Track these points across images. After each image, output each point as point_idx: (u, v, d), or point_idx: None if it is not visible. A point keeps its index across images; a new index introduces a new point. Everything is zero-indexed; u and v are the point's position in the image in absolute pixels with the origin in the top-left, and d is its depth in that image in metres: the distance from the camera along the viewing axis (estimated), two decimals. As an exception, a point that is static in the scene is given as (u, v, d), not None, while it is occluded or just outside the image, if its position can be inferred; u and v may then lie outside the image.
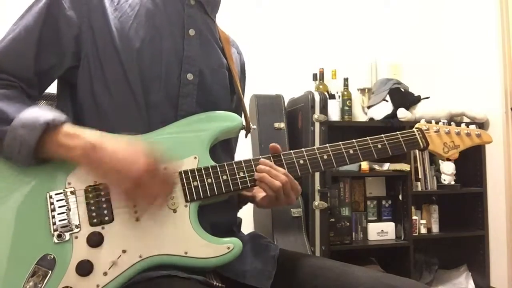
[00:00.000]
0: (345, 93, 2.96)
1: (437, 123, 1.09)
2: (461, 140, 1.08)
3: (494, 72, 2.86)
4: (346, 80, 2.98)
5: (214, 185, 0.91)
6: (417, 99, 2.89)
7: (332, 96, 2.91)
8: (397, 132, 1.03)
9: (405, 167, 2.74)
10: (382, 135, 1.02)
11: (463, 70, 3.11)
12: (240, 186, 0.93)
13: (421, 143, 1.04)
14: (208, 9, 1.06)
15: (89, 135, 0.83)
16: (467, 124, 1.11)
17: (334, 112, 2.85)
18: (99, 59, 0.93)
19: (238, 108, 1.14)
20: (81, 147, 0.81)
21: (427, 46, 3.23)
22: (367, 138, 1.01)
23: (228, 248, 0.87)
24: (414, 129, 1.05)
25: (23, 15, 0.93)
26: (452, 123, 1.08)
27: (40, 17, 0.91)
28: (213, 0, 1.08)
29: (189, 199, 0.89)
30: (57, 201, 0.84)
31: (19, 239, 0.81)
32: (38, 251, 0.80)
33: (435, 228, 2.96)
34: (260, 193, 1.03)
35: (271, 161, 0.95)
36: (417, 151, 2.88)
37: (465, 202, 3.01)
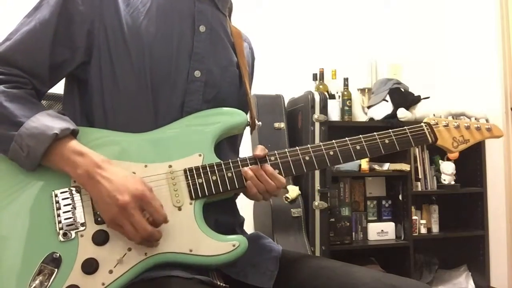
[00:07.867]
0: (345, 93, 2.97)
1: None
2: (471, 134, 1.05)
3: (494, 72, 2.86)
4: (346, 80, 2.99)
5: (219, 182, 0.90)
6: (417, 99, 2.89)
7: (332, 96, 2.92)
8: (405, 127, 1.01)
9: (405, 167, 2.74)
10: (390, 130, 1.00)
11: (463, 70, 3.12)
12: (245, 183, 0.92)
13: (429, 138, 1.02)
14: (219, 4, 1.05)
15: (94, 156, 0.83)
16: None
17: (334, 112, 2.85)
18: (109, 54, 0.92)
19: (244, 104, 1.12)
20: (85, 167, 0.81)
21: (427, 46, 3.23)
22: (374, 133, 0.99)
23: (234, 245, 0.86)
24: (422, 124, 1.03)
25: (38, 7, 0.92)
26: (461, 117, 1.06)
27: (56, 10, 0.90)
28: None
29: (194, 197, 0.88)
30: (63, 199, 0.84)
31: (25, 238, 0.81)
32: (44, 250, 0.80)
33: (435, 228, 2.96)
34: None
35: (276, 157, 0.94)
36: (417, 150, 2.88)
37: (465, 202, 3.02)
